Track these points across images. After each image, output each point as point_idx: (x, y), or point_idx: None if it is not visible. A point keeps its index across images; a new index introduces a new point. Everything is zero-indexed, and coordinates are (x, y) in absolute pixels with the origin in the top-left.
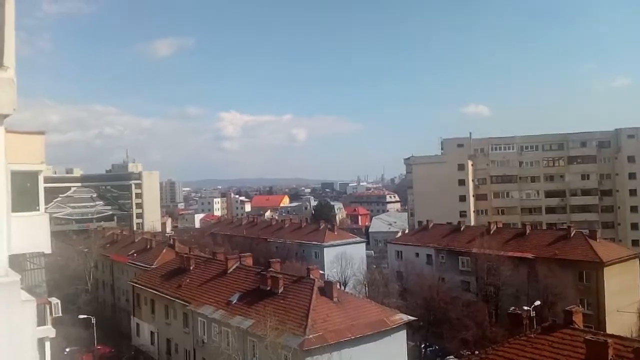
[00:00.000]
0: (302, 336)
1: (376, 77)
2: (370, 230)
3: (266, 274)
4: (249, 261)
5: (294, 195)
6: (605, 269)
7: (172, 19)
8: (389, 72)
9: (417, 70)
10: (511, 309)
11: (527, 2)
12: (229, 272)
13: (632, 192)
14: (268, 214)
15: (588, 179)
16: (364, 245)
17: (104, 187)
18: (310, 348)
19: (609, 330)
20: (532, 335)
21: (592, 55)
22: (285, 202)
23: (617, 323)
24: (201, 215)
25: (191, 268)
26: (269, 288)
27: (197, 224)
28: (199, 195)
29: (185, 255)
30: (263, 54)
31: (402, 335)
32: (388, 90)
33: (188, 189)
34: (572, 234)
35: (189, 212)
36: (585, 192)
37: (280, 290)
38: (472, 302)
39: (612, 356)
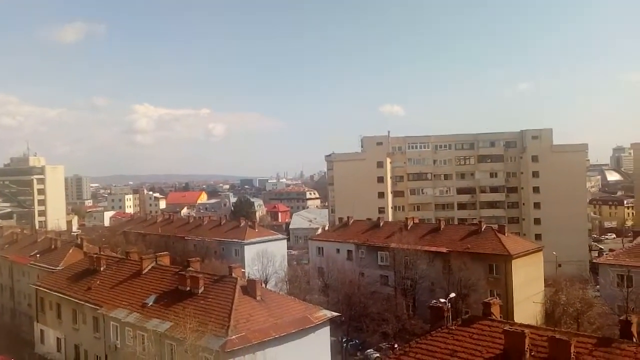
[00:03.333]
0: (225, 337)
1: (296, 74)
2: (290, 226)
3: (185, 273)
4: (165, 260)
5: (212, 192)
6: (513, 262)
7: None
8: (309, 70)
9: (337, 70)
10: (433, 302)
11: (440, 12)
12: (144, 272)
13: (535, 190)
14: (185, 211)
15: (496, 176)
16: (285, 242)
17: (1, 183)
18: (233, 349)
19: (516, 319)
20: (453, 327)
21: (498, 61)
22: (203, 198)
23: (523, 312)
24: (111, 213)
25: (102, 269)
26: (188, 288)
27: (107, 222)
28: (109, 191)
29: (95, 255)
30: (181, 44)
31: (326, 331)
32: (308, 88)
33: (96, 185)
34: (482, 229)
35: (98, 209)
36: (494, 189)
37: (200, 291)
38: (391, 295)
39: (529, 345)
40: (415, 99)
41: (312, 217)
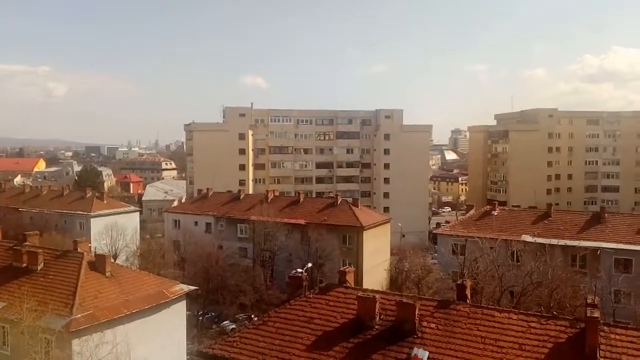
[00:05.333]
0: (69, 316)
1: (153, 35)
2: (143, 198)
3: (21, 248)
4: None
5: (52, 159)
6: (365, 233)
7: None
8: (166, 33)
9: (195, 37)
10: (292, 272)
11: None
12: None
13: (386, 166)
14: (18, 179)
15: (352, 152)
16: (137, 214)
17: None
18: (78, 329)
19: (365, 285)
20: (311, 296)
21: (354, 41)
22: (41, 166)
23: (371, 279)
24: None
25: None
26: (25, 265)
27: None
28: None
29: None
30: None
31: (182, 305)
32: (163, 51)
33: None
34: (338, 202)
35: None
36: (349, 165)
37: (40, 267)
38: (250, 267)
39: (379, 309)
40: (278, 73)
41: (168, 188)
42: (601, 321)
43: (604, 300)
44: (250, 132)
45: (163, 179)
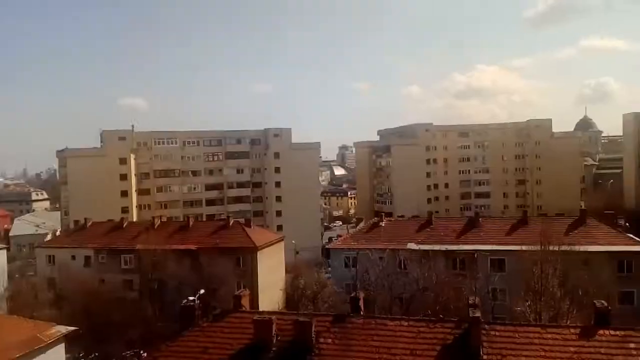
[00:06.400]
0: None
1: (8, 57)
2: (11, 233)
3: None
4: None
5: None
6: (259, 253)
7: None
8: (20, 55)
9: (60, 55)
10: (183, 302)
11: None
12: None
13: (277, 184)
14: None
15: (242, 172)
16: (4, 252)
17: None
18: None
19: (261, 307)
20: (205, 325)
21: (238, 60)
22: None
23: (268, 299)
24: None
25: None
26: None
27: None
28: None
29: None
30: None
31: (60, 349)
32: (23, 77)
33: None
34: (230, 224)
35: None
36: (240, 185)
37: None
38: (136, 300)
39: (276, 331)
40: (158, 93)
41: (39, 221)
42: (482, 320)
43: (483, 299)
44: (132, 156)
45: (34, 211)
